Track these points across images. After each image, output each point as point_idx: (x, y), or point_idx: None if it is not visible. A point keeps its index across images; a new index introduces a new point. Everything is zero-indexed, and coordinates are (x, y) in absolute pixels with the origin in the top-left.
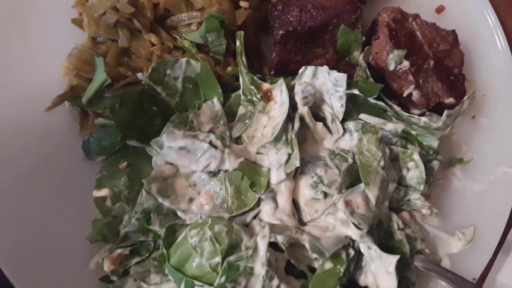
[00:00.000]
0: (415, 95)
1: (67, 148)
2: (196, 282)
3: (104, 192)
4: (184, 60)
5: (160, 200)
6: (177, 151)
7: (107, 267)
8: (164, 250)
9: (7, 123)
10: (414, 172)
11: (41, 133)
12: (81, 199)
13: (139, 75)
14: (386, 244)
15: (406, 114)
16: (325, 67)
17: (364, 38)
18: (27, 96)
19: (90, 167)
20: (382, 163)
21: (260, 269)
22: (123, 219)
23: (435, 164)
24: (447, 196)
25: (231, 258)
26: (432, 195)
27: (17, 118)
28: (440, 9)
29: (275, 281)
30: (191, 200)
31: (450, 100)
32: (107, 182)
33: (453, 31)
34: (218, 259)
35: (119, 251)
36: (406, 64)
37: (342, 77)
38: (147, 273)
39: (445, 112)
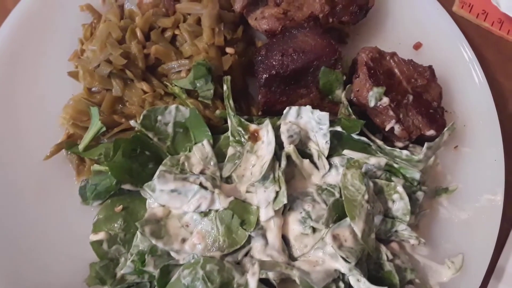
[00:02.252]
0: (397, 129)
1: (65, 194)
2: None
3: (100, 235)
4: (173, 106)
5: (153, 241)
6: (168, 193)
7: None
8: None
9: (8, 170)
10: (399, 204)
11: (40, 180)
12: (79, 243)
13: (132, 122)
14: (376, 275)
15: (388, 148)
16: (308, 107)
17: (345, 77)
18: (26, 145)
19: (87, 211)
20: (366, 196)
21: None
22: (120, 261)
23: (420, 195)
24: (435, 225)
25: None
26: (420, 225)
27: (18, 166)
28: (417, 46)
29: None
30: (184, 240)
31: (431, 132)
32: (104, 225)
33: (430, 67)
34: None
35: None
36: (385, 100)
37: (324, 115)
38: None
39: (426, 144)
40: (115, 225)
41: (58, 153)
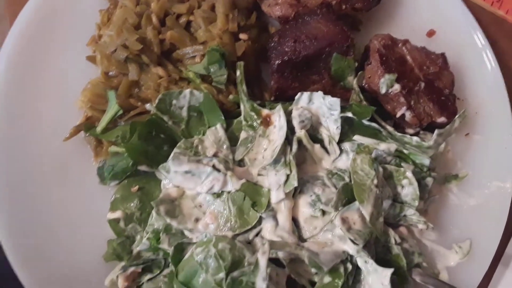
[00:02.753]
0: (408, 115)
1: (83, 174)
2: None
3: (117, 214)
4: (188, 91)
5: (168, 220)
6: (182, 175)
7: (121, 284)
8: (173, 267)
9: (30, 151)
10: (408, 189)
11: (60, 160)
12: (97, 221)
13: (147, 106)
14: (384, 258)
15: (399, 134)
16: (320, 93)
17: (357, 64)
18: (47, 127)
19: (105, 191)
20: (375, 181)
21: (261, 283)
22: (135, 239)
23: (429, 180)
24: (444, 211)
25: (235, 273)
26: (429, 211)
27: (39, 147)
28: (431, 33)
29: None
30: (197, 220)
31: (442, 119)
32: (120, 204)
33: (442, 54)
34: (222, 275)
35: (132, 269)
36: (397, 87)
37: (335, 101)
38: None
39: (436, 131)
40: (131, 204)
41: (77, 135)
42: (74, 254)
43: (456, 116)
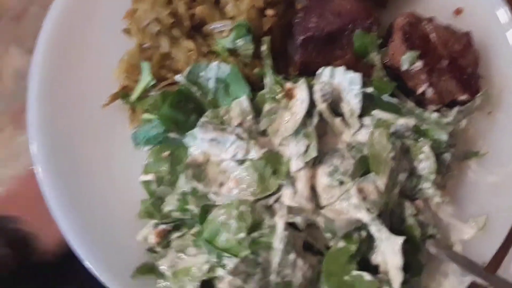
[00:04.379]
0: (429, 92)
1: (119, 138)
2: (224, 254)
3: (150, 176)
4: (215, 63)
5: (195, 184)
6: (208, 142)
7: (153, 239)
8: (200, 226)
9: (72, 116)
10: (425, 163)
11: (99, 125)
12: (132, 182)
13: (177, 77)
14: (399, 229)
15: (418, 109)
16: (342, 68)
17: (381, 41)
18: (88, 94)
19: (139, 155)
20: (392, 154)
21: (278, 244)
22: (166, 200)
23: (447, 156)
24: (462, 187)
25: (255, 234)
26: (447, 186)
27: (80, 113)
28: (458, 11)
29: (292, 255)
30: (221, 184)
31: (464, 97)
32: (153, 168)
33: (467, 33)
34: (243, 234)
35: (163, 226)
36: (419, 64)
37: (357, 76)
38: (186, 246)
39: (456, 108)
40: (163, 168)
41: (114, 102)
42: (111, 211)
43: (478, 95)
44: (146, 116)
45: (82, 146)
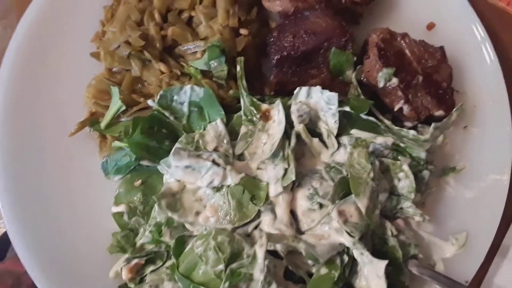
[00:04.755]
0: (406, 109)
1: (88, 168)
2: None
3: (121, 207)
4: (188, 86)
5: (169, 214)
6: (183, 169)
7: (125, 275)
8: (174, 259)
9: (37, 146)
10: (404, 182)
11: (66, 155)
12: (102, 214)
13: (149, 101)
14: (381, 250)
15: (396, 127)
16: (318, 87)
17: (355, 58)
18: (54, 122)
19: (109, 185)
20: (371, 174)
21: (258, 275)
22: (139, 232)
23: (426, 173)
24: (441, 203)
25: (234, 265)
26: (426, 203)
27: (46, 142)
28: (430, 26)
29: (273, 286)
30: (197, 213)
31: (439, 113)
32: (124, 198)
33: (441, 48)
34: (221, 266)
35: (135, 261)
36: (395, 81)
37: (333, 96)
38: (161, 281)
39: (433, 124)
40: (135, 198)
41: (82, 130)
42: (79, 246)
43: (454, 110)
44: (117, 144)
45: (47, 178)
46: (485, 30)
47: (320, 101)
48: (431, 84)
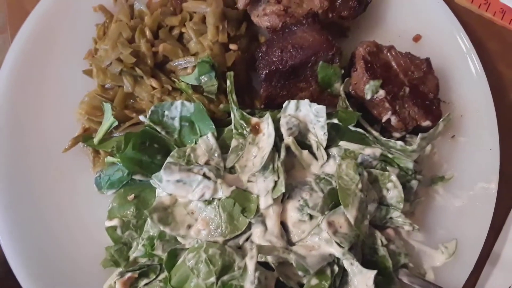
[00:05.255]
0: (393, 120)
1: (82, 183)
2: None
3: (114, 222)
4: (179, 102)
5: (161, 228)
6: (174, 183)
7: None
8: (166, 272)
9: (31, 162)
10: (393, 192)
11: (60, 171)
12: (95, 228)
13: (141, 117)
14: (371, 260)
15: (384, 139)
16: (306, 101)
17: (343, 71)
18: (47, 138)
19: (102, 200)
20: (360, 185)
21: (249, 286)
22: (132, 246)
23: (414, 183)
24: (431, 212)
25: (225, 278)
26: (416, 212)
27: (39, 158)
28: (417, 38)
29: None
30: (189, 226)
31: (427, 123)
32: (117, 212)
33: (427, 59)
34: (213, 279)
35: (129, 274)
36: (382, 92)
37: (321, 108)
38: None
39: (420, 135)
40: (128, 212)
41: (75, 146)
42: (73, 261)
43: (441, 120)
44: (109, 159)
45: (41, 193)
46: (471, 40)
47: (308, 114)
48: (418, 95)
